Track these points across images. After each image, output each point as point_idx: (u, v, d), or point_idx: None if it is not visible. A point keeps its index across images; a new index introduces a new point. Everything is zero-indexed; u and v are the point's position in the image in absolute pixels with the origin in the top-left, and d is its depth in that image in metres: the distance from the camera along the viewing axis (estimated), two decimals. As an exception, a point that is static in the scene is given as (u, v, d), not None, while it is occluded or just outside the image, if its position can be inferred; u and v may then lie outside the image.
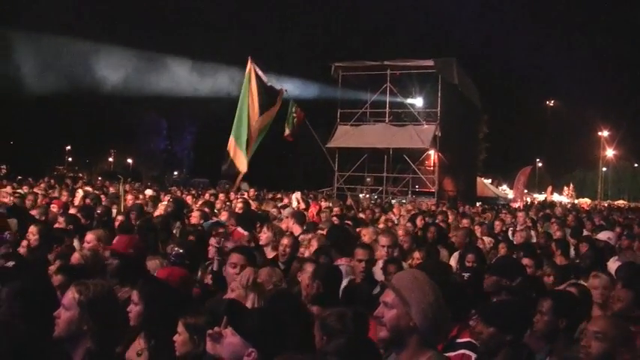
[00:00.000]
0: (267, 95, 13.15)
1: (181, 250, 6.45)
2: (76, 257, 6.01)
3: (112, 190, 17.25)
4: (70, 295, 3.72)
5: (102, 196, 14.75)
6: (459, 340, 4.38)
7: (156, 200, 14.66)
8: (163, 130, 66.42)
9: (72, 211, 10.10)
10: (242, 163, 13.21)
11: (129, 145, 63.21)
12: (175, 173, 61.66)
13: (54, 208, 11.05)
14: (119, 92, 44.98)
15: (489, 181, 59.33)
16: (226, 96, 40.11)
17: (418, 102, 38.87)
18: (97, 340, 3.67)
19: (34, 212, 10.31)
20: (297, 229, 9.44)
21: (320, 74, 38.99)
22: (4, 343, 2.97)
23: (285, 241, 7.38)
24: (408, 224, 12.16)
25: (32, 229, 7.43)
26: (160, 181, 43.50)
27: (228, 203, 15.19)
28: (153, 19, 45.01)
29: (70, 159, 65.98)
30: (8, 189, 15.66)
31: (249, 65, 13.09)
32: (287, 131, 14.01)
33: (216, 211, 12.97)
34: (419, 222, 12.69)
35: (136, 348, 4.11)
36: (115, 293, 4.24)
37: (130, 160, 65.70)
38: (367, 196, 32.84)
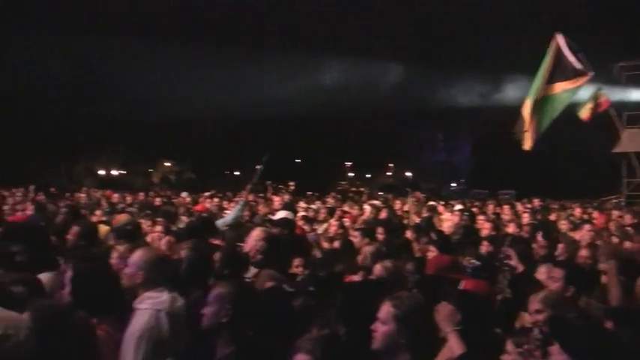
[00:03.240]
0: (564, 69, 12.55)
1: (478, 262, 6.34)
2: (377, 269, 6.11)
3: (397, 203, 17.53)
4: (386, 310, 3.82)
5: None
6: None
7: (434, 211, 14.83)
8: (440, 141, 66.90)
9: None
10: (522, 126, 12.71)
11: (407, 159, 64.45)
12: (454, 185, 61.66)
13: (346, 222, 11.54)
14: (395, 107, 46.01)
15: None
16: (502, 105, 39.34)
17: None
18: (414, 352, 3.70)
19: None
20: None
21: (600, 76, 36.59)
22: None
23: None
24: None
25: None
26: (438, 193, 43.67)
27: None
28: (424, 32, 45.42)
29: (351, 174, 68.50)
30: (301, 204, 16.65)
31: (556, 40, 12.64)
32: (583, 113, 13.25)
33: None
34: None
35: (446, 355, 4.09)
36: (425, 305, 4.25)
37: (408, 173, 66.78)
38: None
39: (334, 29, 43.12)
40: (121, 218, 9.05)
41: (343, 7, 41.56)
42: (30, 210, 11.18)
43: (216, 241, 7.77)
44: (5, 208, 13.51)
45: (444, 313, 4.10)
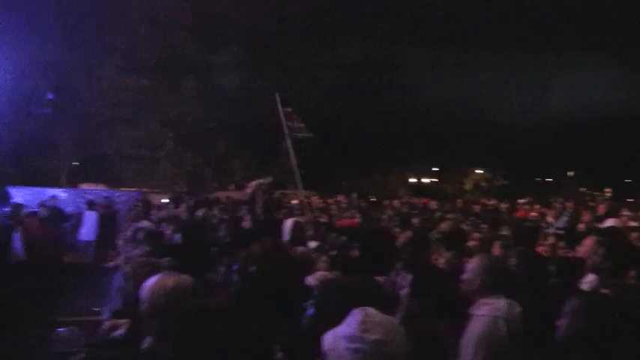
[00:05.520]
0: None
1: None
2: None
3: None
4: None
5: None
6: None
7: None
8: None
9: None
10: None
11: None
12: None
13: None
14: None
15: None
16: None
17: None
18: None
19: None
20: None
21: None
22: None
23: None
24: None
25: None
26: None
27: None
28: None
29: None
30: (624, 212, 15.61)
31: None
32: None
33: None
34: None
35: None
36: None
37: None
38: None
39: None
40: (446, 225, 9.18)
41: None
42: (357, 216, 11.80)
43: (541, 248, 7.61)
44: (332, 214, 14.41)
45: None
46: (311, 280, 5.29)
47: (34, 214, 15.01)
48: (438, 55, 40.32)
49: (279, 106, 13.48)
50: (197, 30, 33.40)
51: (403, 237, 7.69)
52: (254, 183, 10.41)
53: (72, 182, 30.14)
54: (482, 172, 52.05)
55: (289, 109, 13.82)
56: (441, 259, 6.96)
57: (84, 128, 32.25)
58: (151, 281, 3.40)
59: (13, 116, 26.84)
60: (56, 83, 30.10)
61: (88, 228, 18.30)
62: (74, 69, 30.19)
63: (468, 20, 39.91)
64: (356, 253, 6.21)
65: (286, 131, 13.37)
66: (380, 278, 5.25)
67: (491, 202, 21.61)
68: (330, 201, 20.78)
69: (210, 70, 33.86)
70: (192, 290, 3.33)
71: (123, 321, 5.31)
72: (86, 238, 18.25)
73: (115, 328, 5.34)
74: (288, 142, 13.53)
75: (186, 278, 3.40)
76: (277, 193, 17.55)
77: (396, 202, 21.13)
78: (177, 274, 3.51)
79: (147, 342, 3.65)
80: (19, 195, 19.46)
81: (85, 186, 25.99)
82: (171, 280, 3.33)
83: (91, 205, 18.92)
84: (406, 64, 41.78)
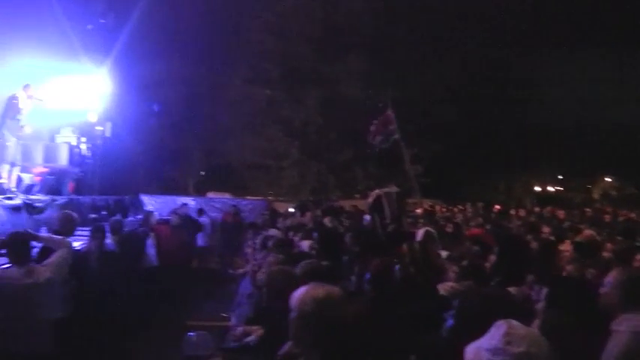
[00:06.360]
0: None
1: None
2: None
3: None
4: None
5: None
6: None
7: None
8: None
9: None
10: None
11: None
12: None
13: None
14: None
15: None
16: None
17: None
18: None
19: None
20: None
21: None
22: None
23: None
24: None
25: None
26: None
27: None
28: None
29: None
30: None
31: None
32: None
33: None
34: None
35: None
36: None
37: None
38: None
39: None
40: (585, 235, 8.87)
41: None
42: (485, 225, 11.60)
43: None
44: (459, 223, 14.22)
45: None
46: (440, 290, 5.25)
47: (165, 221, 15.48)
48: (565, 58, 39.18)
49: (390, 111, 13.37)
50: (320, 40, 33.77)
51: (533, 247, 7.52)
52: (375, 192, 10.39)
53: (199, 191, 31.11)
54: (610, 180, 49.93)
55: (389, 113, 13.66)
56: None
57: (211, 138, 33.20)
58: (301, 291, 3.45)
59: (144, 127, 27.87)
60: (185, 95, 31.07)
61: (204, 235, 18.93)
62: (202, 81, 31.11)
63: (594, 23, 38.62)
64: (489, 262, 6.09)
65: (397, 135, 13.25)
66: (513, 290, 5.15)
67: (622, 212, 20.77)
68: (455, 209, 20.52)
69: (333, 80, 34.11)
70: (341, 300, 3.36)
71: (254, 327, 5.44)
72: (203, 244, 18.87)
73: (247, 334, 5.48)
74: (404, 149, 13.40)
75: (334, 289, 3.44)
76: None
77: (522, 212, 20.65)
78: (325, 284, 3.54)
79: (285, 348, 3.71)
80: (150, 203, 20.26)
81: (211, 194, 26.71)
82: (321, 290, 3.37)
83: (200, 212, 19.56)
84: (532, 69, 40.90)
